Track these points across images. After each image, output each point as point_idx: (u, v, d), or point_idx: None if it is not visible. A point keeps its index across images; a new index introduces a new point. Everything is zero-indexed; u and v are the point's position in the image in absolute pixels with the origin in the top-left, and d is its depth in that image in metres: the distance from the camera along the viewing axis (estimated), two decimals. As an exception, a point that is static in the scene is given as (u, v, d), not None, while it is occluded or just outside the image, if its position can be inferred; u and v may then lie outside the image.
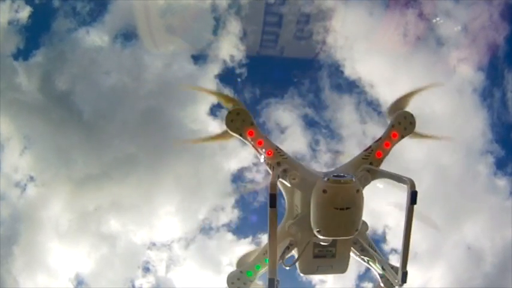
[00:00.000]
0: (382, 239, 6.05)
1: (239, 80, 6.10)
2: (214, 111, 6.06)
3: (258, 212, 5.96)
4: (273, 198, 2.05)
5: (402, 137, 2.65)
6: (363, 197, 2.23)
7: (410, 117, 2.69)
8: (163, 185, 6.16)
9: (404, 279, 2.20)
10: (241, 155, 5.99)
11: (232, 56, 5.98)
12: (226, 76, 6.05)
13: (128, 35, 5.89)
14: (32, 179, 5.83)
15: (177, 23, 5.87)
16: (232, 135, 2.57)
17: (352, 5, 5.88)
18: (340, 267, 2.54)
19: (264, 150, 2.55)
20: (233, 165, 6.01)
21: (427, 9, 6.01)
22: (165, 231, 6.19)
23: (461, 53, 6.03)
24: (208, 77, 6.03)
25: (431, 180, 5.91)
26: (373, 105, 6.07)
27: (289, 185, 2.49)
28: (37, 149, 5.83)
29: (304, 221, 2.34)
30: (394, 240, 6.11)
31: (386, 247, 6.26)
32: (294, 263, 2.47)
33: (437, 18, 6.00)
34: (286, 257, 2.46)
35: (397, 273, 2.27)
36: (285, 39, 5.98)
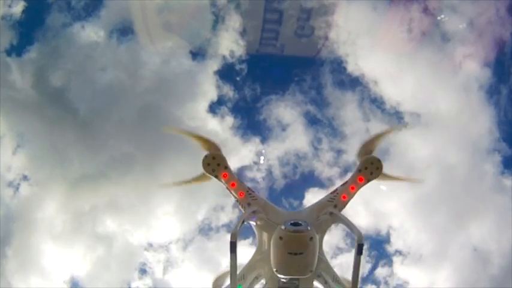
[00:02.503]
0: (387, 240, 6.02)
1: (238, 78, 6.03)
2: (213, 108, 6.00)
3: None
4: (233, 245, 2.36)
5: (368, 181, 2.84)
6: (316, 243, 2.48)
7: (377, 162, 2.84)
8: (161, 184, 6.06)
9: None
10: (242, 153, 5.89)
11: (232, 52, 5.87)
12: (226, 72, 5.96)
13: (124, 30, 5.80)
14: (25, 178, 5.76)
15: (175, 18, 5.76)
16: (210, 178, 2.84)
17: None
18: None
19: (236, 191, 2.83)
20: (233, 164, 5.89)
21: (432, 4, 5.90)
22: (162, 231, 6.10)
23: (467, 49, 5.91)
24: (208, 73, 5.92)
25: (437, 180, 5.80)
26: (376, 102, 5.96)
27: (256, 224, 2.74)
28: (31, 147, 5.75)
29: (268, 258, 2.60)
30: (398, 242, 6.07)
31: (390, 248, 6.23)
32: None
33: (443, 16, 5.90)
34: (255, 285, 2.75)
35: None
36: (286, 34, 5.88)
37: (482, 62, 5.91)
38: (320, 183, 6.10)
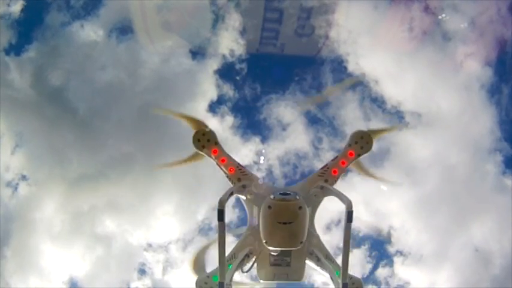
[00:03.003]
0: (387, 240, 5.97)
1: (238, 77, 6.01)
2: (213, 107, 5.98)
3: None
4: (221, 213, 2.37)
5: (358, 155, 2.84)
6: (305, 214, 2.48)
7: (367, 136, 2.86)
8: (161, 184, 6.05)
9: None
10: (242, 152, 5.87)
11: (232, 51, 5.84)
12: (226, 71, 5.93)
13: (123, 29, 5.77)
14: (24, 178, 5.72)
15: (175, 17, 5.73)
16: (202, 155, 2.84)
17: (356, -2, 5.76)
18: (296, 275, 2.81)
19: (226, 167, 2.83)
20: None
21: (433, 3, 5.87)
22: (162, 232, 6.06)
23: (468, 48, 5.88)
24: (207, 73, 5.89)
25: (438, 180, 5.78)
26: (377, 102, 5.92)
27: (246, 198, 2.74)
28: (30, 147, 5.71)
29: (259, 232, 2.59)
30: (399, 243, 6.03)
31: (391, 249, 6.20)
32: (249, 270, 2.74)
33: (444, 15, 5.88)
34: (247, 264, 2.71)
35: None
36: (287, 33, 5.85)
37: (483, 62, 5.88)
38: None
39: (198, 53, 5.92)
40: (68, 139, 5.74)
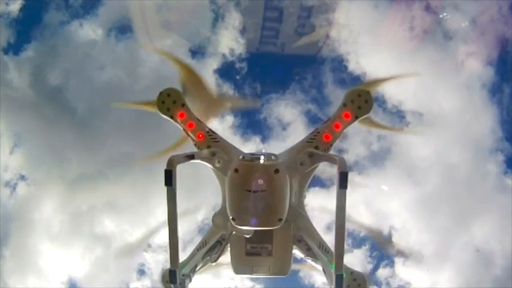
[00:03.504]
0: (387, 243, 5.90)
1: (238, 76, 5.97)
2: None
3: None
4: (168, 175, 1.89)
5: (356, 117, 2.38)
6: (285, 180, 1.93)
7: (366, 94, 2.38)
8: (160, 183, 6.00)
9: (339, 284, 1.85)
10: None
11: (232, 50, 5.83)
12: (226, 71, 5.88)
13: (123, 28, 5.74)
14: (23, 178, 5.69)
15: (175, 16, 5.71)
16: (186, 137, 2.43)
17: (356, -3, 5.72)
18: (280, 268, 2.24)
19: (194, 133, 2.41)
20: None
21: (434, 2, 5.84)
22: (161, 232, 6.01)
23: (469, 47, 5.85)
24: (207, 72, 5.86)
25: (439, 180, 5.75)
26: (378, 101, 5.86)
27: (215, 167, 2.29)
28: (28, 146, 5.68)
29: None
30: (400, 242, 5.95)
31: (392, 249, 6.12)
32: (216, 259, 2.22)
33: (445, 14, 5.84)
34: (221, 253, 2.25)
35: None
36: (287, 32, 5.82)
37: (485, 61, 5.85)
38: (321, 183, 5.99)
39: (197, 52, 5.89)
40: (67, 139, 5.72)
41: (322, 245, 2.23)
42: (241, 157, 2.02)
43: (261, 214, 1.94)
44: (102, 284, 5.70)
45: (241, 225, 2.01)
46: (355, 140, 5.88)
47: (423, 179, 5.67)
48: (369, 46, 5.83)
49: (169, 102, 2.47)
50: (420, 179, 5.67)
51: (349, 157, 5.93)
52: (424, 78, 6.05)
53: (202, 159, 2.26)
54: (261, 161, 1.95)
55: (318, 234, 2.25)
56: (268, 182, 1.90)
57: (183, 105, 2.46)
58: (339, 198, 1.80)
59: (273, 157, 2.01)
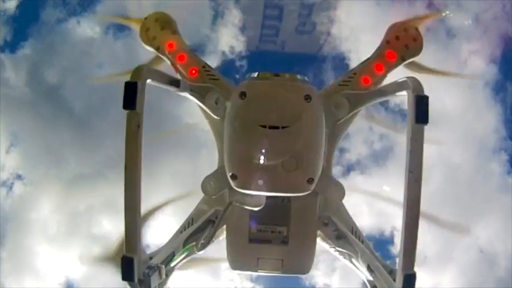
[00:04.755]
0: (390, 241, 5.84)
1: (238, 75, 5.91)
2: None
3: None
4: (131, 90, 1.07)
5: (403, 59, 1.79)
6: (319, 112, 1.23)
7: (414, 30, 1.79)
8: (160, 183, 5.97)
9: (408, 286, 1.15)
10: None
11: (231, 48, 5.77)
12: (226, 69, 5.77)
13: (121, 26, 5.66)
14: (19, 177, 5.67)
15: (174, 13, 5.67)
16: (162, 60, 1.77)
17: (358, -5, 5.68)
18: (298, 263, 1.46)
19: (186, 68, 1.83)
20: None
21: (437, 0, 5.79)
22: (161, 232, 5.96)
23: (472, 45, 5.80)
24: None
25: (441, 180, 5.68)
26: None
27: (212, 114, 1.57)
28: (25, 146, 5.65)
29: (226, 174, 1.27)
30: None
31: (394, 249, 6.06)
32: (205, 246, 1.42)
33: (447, 12, 5.79)
34: (211, 237, 1.46)
35: (392, 275, 1.32)
36: (287, 30, 5.78)
37: (488, 59, 5.80)
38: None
39: (197, 50, 5.83)
40: (64, 138, 5.69)
41: (355, 231, 1.60)
42: (253, 74, 1.32)
43: (281, 167, 1.24)
44: (100, 285, 5.65)
45: (246, 188, 1.29)
46: (356, 140, 5.84)
47: (426, 179, 5.61)
48: (371, 44, 5.77)
49: (155, 29, 1.88)
50: (423, 179, 5.61)
51: (350, 156, 5.90)
52: (425, 77, 6.02)
53: (192, 93, 1.53)
54: (283, 81, 1.27)
55: (349, 215, 1.61)
56: (295, 112, 1.21)
57: (174, 32, 1.90)
58: (413, 143, 1.05)
59: (305, 78, 1.33)
